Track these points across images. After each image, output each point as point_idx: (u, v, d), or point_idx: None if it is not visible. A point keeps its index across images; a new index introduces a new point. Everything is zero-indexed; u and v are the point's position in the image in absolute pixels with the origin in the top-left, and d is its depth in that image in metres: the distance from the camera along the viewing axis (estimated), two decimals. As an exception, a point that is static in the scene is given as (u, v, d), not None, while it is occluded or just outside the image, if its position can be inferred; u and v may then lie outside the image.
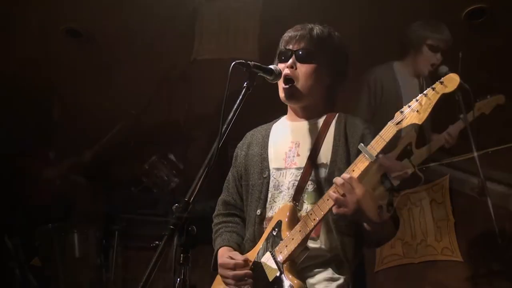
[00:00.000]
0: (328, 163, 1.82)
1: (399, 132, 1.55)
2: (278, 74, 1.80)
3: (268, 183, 1.90)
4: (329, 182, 1.78)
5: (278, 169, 1.90)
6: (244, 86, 1.71)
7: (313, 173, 1.82)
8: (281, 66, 1.89)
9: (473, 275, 2.69)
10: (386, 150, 3.06)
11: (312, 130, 1.91)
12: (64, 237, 3.29)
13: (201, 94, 4.41)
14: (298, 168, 1.86)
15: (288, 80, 1.86)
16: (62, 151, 3.85)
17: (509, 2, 4.47)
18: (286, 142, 1.94)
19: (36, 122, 3.60)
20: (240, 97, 1.69)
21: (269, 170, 1.91)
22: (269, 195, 1.89)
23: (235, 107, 1.68)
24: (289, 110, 2.01)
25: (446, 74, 2.77)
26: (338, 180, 1.62)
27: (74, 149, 3.97)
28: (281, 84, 1.90)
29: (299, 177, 1.83)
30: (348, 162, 1.79)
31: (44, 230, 3.36)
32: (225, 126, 1.64)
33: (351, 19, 4.50)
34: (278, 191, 1.88)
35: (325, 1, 4.43)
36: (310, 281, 1.76)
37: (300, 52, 1.86)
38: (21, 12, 3.67)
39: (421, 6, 4.43)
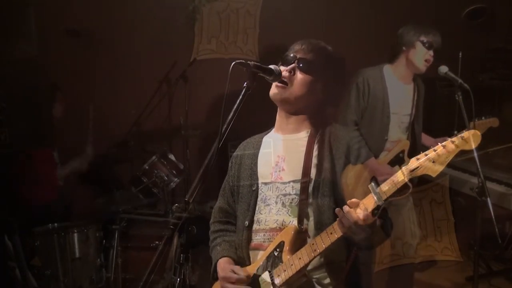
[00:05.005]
0: (313, 178, 1.83)
1: (413, 179, 1.49)
2: (278, 74, 1.81)
3: (256, 196, 1.94)
4: (314, 196, 1.81)
5: (265, 183, 1.94)
6: (244, 86, 1.71)
7: (301, 190, 1.83)
8: (282, 68, 1.89)
9: (473, 275, 2.68)
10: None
11: (298, 144, 1.91)
12: (64, 237, 3.28)
13: (201, 94, 4.42)
14: (283, 183, 1.89)
15: (283, 81, 1.87)
16: (62, 151, 3.85)
17: (509, 2, 4.47)
18: (273, 156, 1.96)
19: (36, 122, 3.59)
20: (240, 97, 1.70)
21: (257, 184, 1.94)
22: (257, 208, 1.93)
23: (235, 107, 1.68)
24: (277, 121, 2.02)
25: (446, 74, 2.81)
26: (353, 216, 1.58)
27: (74, 149, 3.97)
28: (274, 84, 1.90)
29: (284, 191, 1.87)
30: (334, 176, 1.81)
31: (44, 230, 3.36)
32: (225, 126, 1.65)
33: (351, 19, 4.51)
34: (265, 204, 1.91)
35: (325, 2, 4.45)
36: None
37: (304, 61, 1.87)
38: (21, 12, 3.67)
39: (422, 6, 4.45)
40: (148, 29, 4.27)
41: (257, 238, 1.91)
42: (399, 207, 3.14)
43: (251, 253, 1.92)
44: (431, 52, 3.01)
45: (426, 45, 3.00)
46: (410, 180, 1.50)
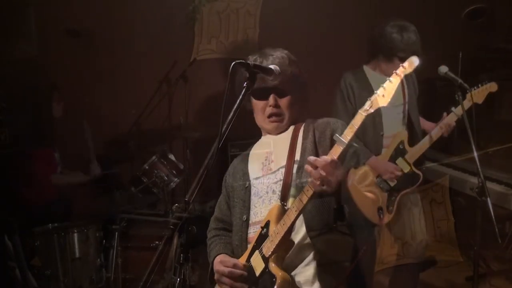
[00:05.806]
0: (298, 159, 1.91)
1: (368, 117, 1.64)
2: (278, 74, 1.83)
3: (250, 192, 2.00)
4: (297, 176, 1.87)
5: (256, 178, 2.01)
6: (244, 86, 1.71)
7: (285, 170, 1.90)
8: (258, 102, 1.98)
9: (473, 275, 2.68)
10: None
11: (284, 139, 2.00)
12: (64, 237, 3.28)
13: (201, 94, 4.42)
14: (273, 172, 1.96)
15: (278, 114, 1.97)
16: (62, 151, 3.85)
17: (509, 2, 4.48)
18: (262, 154, 2.05)
19: (36, 122, 3.59)
20: (240, 97, 1.70)
21: (249, 181, 2.02)
22: (251, 203, 1.98)
23: (235, 107, 1.69)
24: (263, 132, 2.11)
25: (446, 74, 2.80)
26: (322, 160, 1.64)
27: (73, 149, 3.97)
28: (265, 119, 1.99)
29: (275, 179, 1.94)
30: (317, 155, 1.85)
31: (44, 230, 3.35)
32: (225, 126, 1.65)
33: (350, 19, 4.51)
34: (257, 197, 1.97)
35: (325, 2, 4.44)
36: (297, 279, 1.82)
37: (279, 89, 1.94)
38: (21, 12, 3.67)
39: (422, 6, 4.45)
40: (148, 29, 4.27)
41: (254, 231, 1.93)
42: (400, 207, 3.14)
43: (250, 247, 1.93)
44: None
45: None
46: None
